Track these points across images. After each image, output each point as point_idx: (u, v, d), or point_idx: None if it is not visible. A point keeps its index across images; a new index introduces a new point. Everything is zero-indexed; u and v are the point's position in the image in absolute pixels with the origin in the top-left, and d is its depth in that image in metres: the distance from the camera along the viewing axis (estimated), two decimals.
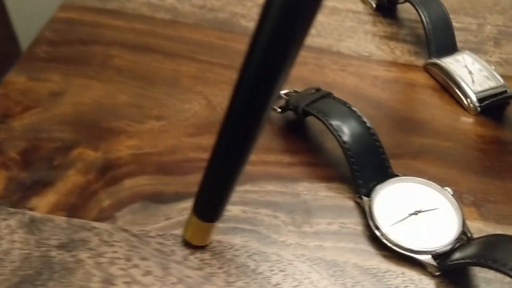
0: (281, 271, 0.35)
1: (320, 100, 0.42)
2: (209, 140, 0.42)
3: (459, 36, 0.53)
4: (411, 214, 0.38)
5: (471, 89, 0.47)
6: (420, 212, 0.38)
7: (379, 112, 0.46)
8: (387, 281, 0.35)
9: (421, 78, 0.49)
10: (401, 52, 0.52)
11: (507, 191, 0.41)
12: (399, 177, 0.40)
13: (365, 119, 0.40)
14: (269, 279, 0.35)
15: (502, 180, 0.42)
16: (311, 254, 0.36)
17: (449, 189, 0.39)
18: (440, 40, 0.50)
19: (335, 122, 0.40)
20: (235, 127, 0.29)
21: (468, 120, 0.46)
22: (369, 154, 0.39)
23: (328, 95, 0.42)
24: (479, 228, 0.38)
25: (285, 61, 0.24)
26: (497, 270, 0.31)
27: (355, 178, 0.39)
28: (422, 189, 0.39)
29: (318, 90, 0.44)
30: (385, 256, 0.36)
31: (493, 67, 0.49)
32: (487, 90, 0.47)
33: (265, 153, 0.42)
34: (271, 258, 0.36)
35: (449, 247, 0.36)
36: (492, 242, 0.34)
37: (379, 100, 0.47)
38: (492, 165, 0.43)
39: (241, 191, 0.39)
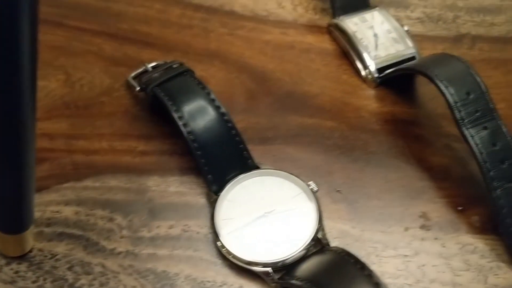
0: (102, 285, 0.31)
1: (174, 79, 0.36)
2: (58, 125, 0.38)
3: None
4: (260, 216, 0.33)
5: (370, 56, 0.40)
6: (272, 214, 0.33)
7: (262, 86, 0.40)
8: None
9: (321, 42, 0.43)
10: (304, 10, 0.45)
11: (387, 184, 0.35)
12: (259, 170, 0.34)
13: (218, 104, 0.35)
14: None
15: (385, 171, 0.36)
16: (140, 265, 0.32)
17: (312, 184, 0.34)
18: None
19: (182, 108, 0.34)
20: None
21: (364, 93, 0.40)
22: (222, 145, 0.34)
23: (185, 72, 0.37)
24: (344, 231, 0.33)
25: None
26: None
27: (204, 172, 0.34)
28: (281, 185, 0.34)
29: (179, 64, 0.38)
30: (224, 267, 0.32)
31: (406, 27, 0.42)
32: (391, 57, 0.40)
33: (119, 139, 0.37)
34: (94, 270, 0.32)
35: (291, 258, 0.31)
36: (333, 264, 0.29)
37: (265, 71, 0.41)
38: (377, 150, 0.37)
39: (79, 187, 0.35)
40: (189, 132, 0.34)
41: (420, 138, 0.37)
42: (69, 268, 0.32)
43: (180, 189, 0.35)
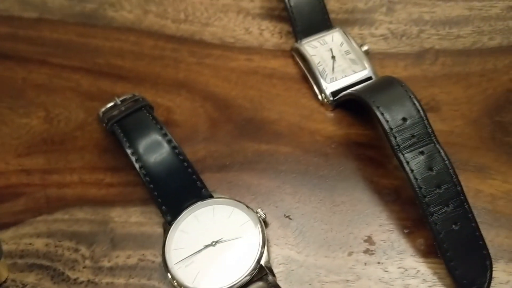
0: None
1: (131, 115, 0.38)
2: (36, 161, 0.41)
3: (347, 4, 0.46)
4: (208, 245, 0.34)
5: (326, 79, 0.41)
6: (219, 242, 0.34)
7: (223, 114, 0.42)
8: None
9: (284, 66, 0.44)
10: (270, 34, 0.46)
11: (335, 208, 0.36)
12: (211, 200, 0.36)
13: (170, 138, 0.37)
14: None
15: (334, 194, 0.37)
16: None
17: (260, 212, 0.35)
18: (306, 17, 0.44)
19: (135, 144, 0.36)
20: None
21: (320, 117, 0.41)
22: (174, 177, 0.36)
23: (143, 107, 0.39)
24: (290, 257, 0.35)
25: None
26: None
27: (158, 204, 0.36)
28: (231, 213, 0.36)
29: (141, 99, 0.40)
30: None
31: (366, 47, 0.42)
32: (346, 79, 0.41)
33: (88, 172, 0.40)
34: None
35: (235, 286, 0.32)
36: None
37: (227, 99, 0.43)
38: (328, 174, 0.38)
39: (50, 220, 0.38)
40: (141, 167, 0.36)
41: (372, 160, 0.38)
42: None
43: (140, 219, 0.37)
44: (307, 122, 0.41)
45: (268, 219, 0.36)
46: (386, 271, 0.33)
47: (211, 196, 0.37)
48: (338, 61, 0.42)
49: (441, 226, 0.32)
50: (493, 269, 0.33)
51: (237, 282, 0.33)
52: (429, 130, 0.33)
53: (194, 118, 0.42)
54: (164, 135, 0.37)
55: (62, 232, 0.37)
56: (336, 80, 0.41)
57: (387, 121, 0.33)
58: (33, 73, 0.46)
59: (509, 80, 0.41)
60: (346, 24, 0.45)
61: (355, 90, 0.37)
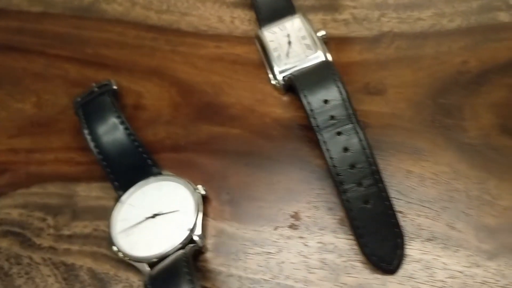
0: (26, 273, 0.39)
1: (93, 100, 0.42)
2: (23, 141, 0.46)
3: None
4: (149, 217, 0.38)
5: (279, 64, 0.42)
6: (159, 215, 0.38)
7: (186, 99, 0.45)
8: (111, 286, 0.37)
9: (247, 53, 0.46)
10: (240, 22, 0.48)
11: (271, 187, 0.38)
12: (159, 176, 0.40)
13: (123, 120, 0.40)
14: (14, 281, 0.39)
15: (272, 174, 0.39)
16: (56, 258, 0.39)
17: (200, 188, 0.38)
18: (269, 4, 0.46)
19: (92, 126, 0.40)
20: None
21: (272, 101, 0.43)
22: (125, 156, 0.40)
23: (106, 93, 0.42)
24: (222, 230, 0.37)
25: None
26: None
27: (111, 180, 0.40)
28: (175, 189, 0.39)
29: (105, 86, 0.44)
30: (117, 261, 0.38)
31: (323, 32, 0.43)
32: (298, 64, 0.42)
33: (64, 152, 0.45)
34: (23, 261, 0.39)
35: (165, 255, 0.36)
36: (171, 265, 0.33)
37: (192, 84, 0.46)
38: (270, 155, 0.40)
39: (27, 193, 0.43)
40: (95, 146, 0.40)
41: (311, 141, 0.39)
42: (7, 259, 0.40)
43: (99, 194, 0.41)
44: (260, 106, 0.43)
45: (210, 195, 0.39)
46: (306, 245, 0.35)
47: (159, 174, 0.40)
48: (293, 47, 0.43)
49: (353, 203, 0.33)
50: (409, 247, 0.34)
51: (169, 251, 0.36)
52: (350, 112, 0.34)
53: (160, 102, 0.45)
54: (118, 117, 0.40)
55: (35, 204, 0.42)
56: (288, 64, 0.42)
57: (309, 103, 0.35)
58: (32, 63, 0.52)
59: (461, 62, 0.40)
60: (312, 10, 0.47)
61: (292, 75, 0.39)
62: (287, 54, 0.43)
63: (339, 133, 0.34)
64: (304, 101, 0.35)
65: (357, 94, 0.41)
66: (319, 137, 0.34)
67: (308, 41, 0.43)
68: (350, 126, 0.34)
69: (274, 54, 0.43)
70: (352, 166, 0.34)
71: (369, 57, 0.43)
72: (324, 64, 0.37)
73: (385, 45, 0.43)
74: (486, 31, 0.41)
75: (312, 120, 0.35)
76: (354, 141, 0.34)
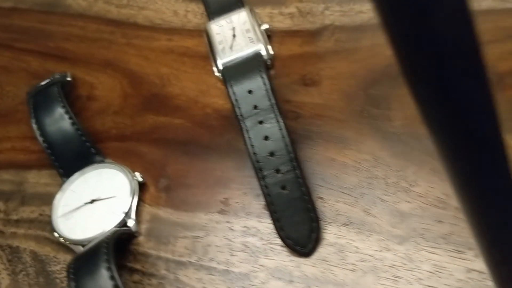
0: None
1: (43, 91, 0.44)
2: None
3: None
4: (87, 203, 0.40)
5: (222, 57, 0.44)
6: (97, 201, 0.39)
7: (135, 90, 0.46)
8: (50, 267, 0.39)
9: (197, 45, 0.47)
10: (194, 16, 0.50)
11: (207, 174, 0.40)
12: (100, 164, 0.41)
13: (68, 110, 0.42)
14: None
15: (209, 162, 0.40)
16: (4, 241, 0.41)
17: (138, 175, 0.40)
18: None
19: (39, 116, 0.42)
20: None
21: (215, 92, 0.44)
22: (69, 144, 0.42)
23: (55, 84, 0.44)
24: (156, 216, 0.39)
25: None
26: None
27: (56, 167, 0.42)
28: (114, 176, 0.40)
29: (57, 77, 0.46)
30: (58, 244, 0.40)
31: (266, 26, 0.45)
32: (239, 56, 0.43)
33: (20, 141, 0.47)
34: None
35: (95, 238, 0.37)
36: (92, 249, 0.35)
37: (142, 76, 0.47)
38: (208, 144, 0.41)
39: None
40: (41, 135, 0.42)
41: None
42: None
43: (48, 180, 0.43)
44: (203, 97, 0.44)
45: (148, 182, 0.41)
46: (231, 229, 0.37)
47: (102, 162, 0.41)
48: (237, 40, 0.45)
49: (271, 189, 0.35)
50: (326, 231, 0.35)
51: (103, 234, 0.37)
52: (272, 102, 0.36)
53: (111, 93, 0.47)
54: (63, 107, 0.42)
55: None
56: (231, 57, 0.44)
57: (234, 93, 0.36)
58: (0, 56, 0.54)
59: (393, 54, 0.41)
60: (261, 3, 0.48)
61: (224, 66, 0.40)
62: (231, 47, 0.44)
63: (261, 122, 0.36)
64: (230, 91, 0.36)
65: (293, 85, 0.42)
66: (243, 125, 0.36)
67: (251, 34, 0.44)
68: (271, 115, 0.36)
69: (219, 47, 0.44)
70: (272, 153, 0.35)
71: (309, 50, 0.44)
72: (254, 56, 0.38)
73: (326, 38, 0.44)
74: None
75: (236, 109, 0.36)
76: (274, 130, 0.35)
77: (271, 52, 0.44)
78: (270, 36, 0.45)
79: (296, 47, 0.44)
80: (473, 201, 0.21)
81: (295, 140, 0.39)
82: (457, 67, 0.16)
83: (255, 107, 0.36)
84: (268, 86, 0.36)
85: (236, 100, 0.36)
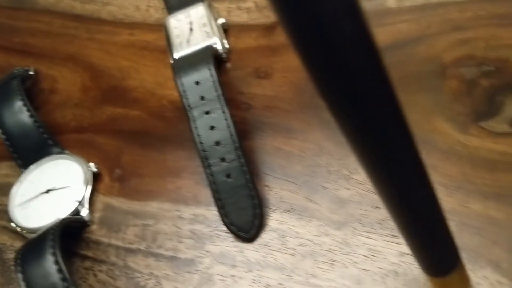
0: None
1: (3, 85, 0.45)
2: None
3: None
4: (42, 193, 0.40)
5: (178, 50, 0.45)
6: (52, 191, 0.40)
7: (96, 82, 0.47)
8: (6, 256, 0.40)
9: (157, 39, 0.48)
10: (155, 10, 0.51)
11: (160, 165, 0.41)
12: (57, 155, 0.42)
13: (26, 103, 0.43)
14: None
15: (162, 153, 0.41)
16: None
17: (92, 166, 0.41)
18: None
19: None
20: None
21: (172, 84, 0.44)
22: (27, 136, 0.43)
23: (15, 77, 0.45)
24: (109, 205, 0.40)
25: None
26: None
27: (14, 158, 0.43)
28: (70, 166, 0.41)
29: (22, 70, 0.47)
30: (15, 233, 0.41)
31: (222, 20, 0.46)
32: (195, 50, 0.44)
33: None
34: None
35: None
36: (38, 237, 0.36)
37: (103, 69, 0.48)
38: (162, 135, 0.42)
39: None
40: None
41: None
42: None
43: (8, 172, 0.44)
44: (160, 89, 0.45)
45: (103, 173, 0.42)
46: (180, 217, 0.38)
47: (59, 153, 0.42)
48: (194, 34, 0.46)
49: (216, 177, 0.36)
50: (269, 218, 0.36)
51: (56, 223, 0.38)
52: (219, 93, 0.37)
53: (72, 86, 0.48)
54: (22, 100, 0.43)
55: None
56: (187, 50, 0.45)
57: (182, 84, 0.37)
58: None
59: None
60: None
61: (176, 59, 0.41)
62: (188, 41, 0.45)
63: (207, 112, 0.37)
64: (178, 82, 0.37)
65: (247, 77, 0.43)
66: (190, 115, 0.37)
67: (208, 28, 0.45)
68: (218, 106, 0.37)
69: (176, 41, 0.45)
70: (217, 143, 0.36)
71: (263, 43, 0.45)
72: (204, 49, 0.39)
73: (279, 32, 0.45)
74: (372, 17, 0.43)
75: (184, 100, 0.37)
76: (220, 120, 0.36)
77: (227, 46, 0.45)
78: (227, 30, 0.46)
79: (252, 40, 0.45)
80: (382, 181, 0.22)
81: (246, 130, 0.40)
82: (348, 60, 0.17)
83: (202, 97, 0.37)
84: (215, 78, 0.37)
85: (184, 91, 0.37)
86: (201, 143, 0.36)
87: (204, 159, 0.36)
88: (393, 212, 0.24)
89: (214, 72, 0.37)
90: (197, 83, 0.37)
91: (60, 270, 0.32)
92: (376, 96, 0.18)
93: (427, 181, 0.23)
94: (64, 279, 0.32)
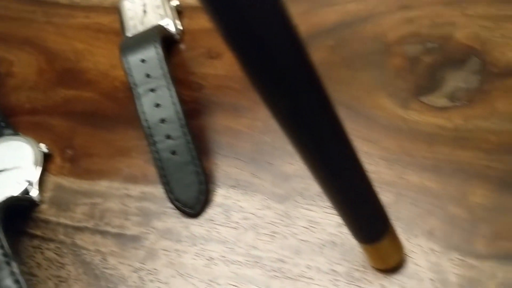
0: None
1: None
2: None
3: None
4: None
5: (130, 32, 0.45)
6: (2, 171, 0.40)
7: (51, 65, 0.47)
8: None
9: (112, 22, 0.48)
10: None
11: (110, 145, 0.41)
12: (9, 137, 0.42)
13: None
14: None
15: (112, 133, 0.42)
16: None
17: (43, 146, 0.41)
18: None
19: None
20: None
21: None
22: None
23: None
24: (60, 185, 0.40)
25: None
26: None
27: None
28: (21, 147, 0.42)
29: None
30: None
31: (174, 2, 0.46)
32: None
33: None
34: None
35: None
36: None
37: (58, 52, 0.48)
38: (111, 116, 0.42)
39: None
40: None
41: None
42: None
43: None
44: (113, 71, 0.45)
45: (54, 154, 0.42)
46: (128, 196, 0.38)
47: (11, 135, 0.42)
48: (148, 16, 0.46)
49: (161, 154, 0.36)
50: (215, 194, 0.36)
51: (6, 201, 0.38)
52: (164, 71, 0.37)
53: (28, 69, 0.48)
54: None
55: None
56: (138, 31, 0.45)
57: (127, 62, 0.38)
58: None
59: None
60: None
61: (123, 39, 0.42)
62: (142, 23, 0.45)
63: (152, 90, 0.37)
64: (124, 60, 0.38)
65: (199, 58, 0.43)
66: (135, 93, 0.37)
67: (161, 10, 0.46)
68: (163, 83, 0.37)
69: (130, 23, 0.45)
70: (163, 120, 0.36)
71: None
72: (151, 29, 0.40)
73: None
74: None
75: (129, 77, 0.37)
76: (165, 98, 0.36)
77: (180, 27, 0.45)
78: (181, 11, 0.46)
79: (205, 22, 0.46)
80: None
81: (196, 109, 0.41)
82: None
83: (148, 75, 0.37)
84: (161, 56, 0.37)
85: (129, 68, 0.37)
86: (146, 120, 0.36)
87: (150, 137, 0.36)
88: (318, 180, 0.25)
89: (160, 50, 0.37)
90: (142, 61, 0.37)
91: (1, 246, 0.32)
92: (293, 71, 0.19)
93: (350, 149, 0.23)
94: (5, 255, 0.32)
